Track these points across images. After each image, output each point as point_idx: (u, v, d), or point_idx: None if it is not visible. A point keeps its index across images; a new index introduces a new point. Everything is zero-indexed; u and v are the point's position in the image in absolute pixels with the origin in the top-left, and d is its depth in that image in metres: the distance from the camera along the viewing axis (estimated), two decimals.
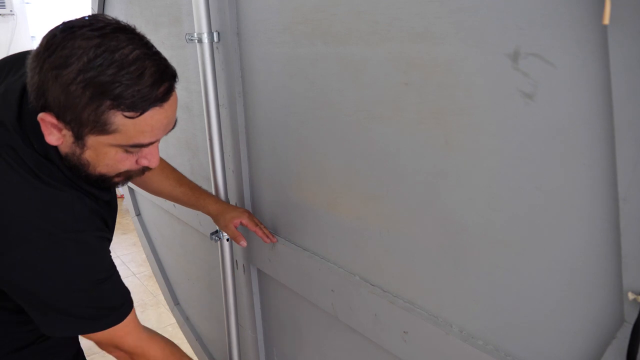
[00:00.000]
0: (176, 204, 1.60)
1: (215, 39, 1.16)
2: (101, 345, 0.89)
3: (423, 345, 0.84)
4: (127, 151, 0.75)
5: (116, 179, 0.82)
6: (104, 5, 1.82)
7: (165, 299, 2.07)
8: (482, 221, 0.73)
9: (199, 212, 1.46)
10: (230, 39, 1.15)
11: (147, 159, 0.78)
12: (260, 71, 1.11)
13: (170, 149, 1.63)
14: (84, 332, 0.85)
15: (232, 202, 1.31)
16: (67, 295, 0.80)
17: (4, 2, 4.40)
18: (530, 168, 0.65)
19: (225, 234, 1.28)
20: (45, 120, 0.71)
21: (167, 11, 1.40)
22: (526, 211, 0.67)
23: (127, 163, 0.78)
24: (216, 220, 1.19)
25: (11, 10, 4.45)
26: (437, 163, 0.77)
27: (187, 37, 1.16)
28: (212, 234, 1.30)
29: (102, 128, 0.70)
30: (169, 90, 0.72)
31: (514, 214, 0.68)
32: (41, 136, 0.73)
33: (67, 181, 0.79)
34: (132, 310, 0.89)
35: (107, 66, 0.66)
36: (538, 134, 0.63)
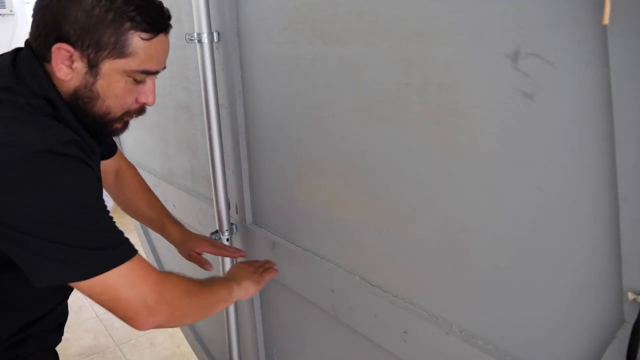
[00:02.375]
0: (176, 205, 1.61)
1: (215, 39, 1.16)
2: (135, 309, 0.78)
3: (423, 345, 0.84)
4: (134, 81, 0.81)
5: (116, 125, 0.85)
6: None
7: None
8: (482, 221, 0.73)
9: (199, 212, 1.47)
10: (230, 39, 1.15)
11: (146, 95, 0.84)
12: (260, 71, 1.11)
13: (170, 149, 1.63)
14: (86, 273, 0.73)
15: (232, 202, 1.31)
16: (58, 219, 0.70)
17: (4, 2, 4.40)
18: (530, 168, 0.65)
19: (225, 233, 1.28)
20: (61, 50, 0.76)
21: None
22: (526, 211, 0.67)
23: (130, 97, 0.83)
24: (179, 249, 1.21)
25: (11, 10, 4.45)
26: (437, 163, 0.77)
27: (187, 37, 1.17)
28: (212, 233, 1.30)
29: (120, 50, 0.77)
30: (170, 21, 0.84)
31: (514, 214, 0.68)
32: (40, 77, 0.78)
33: (60, 119, 0.78)
34: (138, 254, 0.79)
35: None
36: (538, 134, 0.63)
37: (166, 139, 1.64)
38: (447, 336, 0.79)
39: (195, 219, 1.50)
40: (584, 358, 0.64)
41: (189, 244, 1.18)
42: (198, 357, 1.89)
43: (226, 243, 1.29)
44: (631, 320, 0.57)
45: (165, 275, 0.84)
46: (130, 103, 0.84)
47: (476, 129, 0.70)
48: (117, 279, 0.75)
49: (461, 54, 0.69)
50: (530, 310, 0.69)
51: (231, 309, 1.35)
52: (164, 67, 0.87)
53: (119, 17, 0.76)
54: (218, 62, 1.19)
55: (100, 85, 0.79)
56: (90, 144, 0.83)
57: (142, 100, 0.85)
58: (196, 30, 1.16)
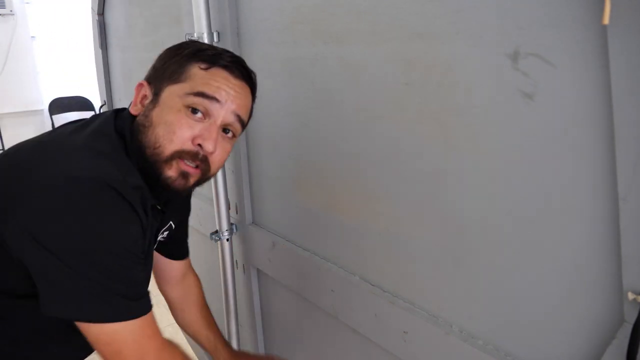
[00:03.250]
0: None
1: (215, 39, 1.16)
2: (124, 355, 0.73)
3: (423, 345, 0.84)
4: (191, 112, 0.76)
5: (167, 169, 0.76)
6: (104, 5, 1.82)
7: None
8: (482, 221, 0.73)
9: (199, 212, 1.47)
10: (230, 39, 1.15)
11: (204, 138, 0.76)
12: (260, 71, 1.11)
13: None
14: (97, 316, 0.69)
15: (232, 202, 1.31)
16: (95, 254, 0.67)
17: (4, 2, 4.40)
18: (530, 168, 0.65)
19: (225, 233, 1.28)
20: (141, 87, 0.81)
21: (167, 11, 1.40)
22: (526, 211, 0.67)
23: (184, 131, 0.75)
24: None
25: (11, 10, 4.45)
26: (437, 163, 0.77)
27: (187, 37, 1.16)
28: (212, 233, 1.30)
29: (178, 77, 0.78)
30: (237, 66, 0.81)
31: (514, 214, 0.68)
32: (124, 120, 0.80)
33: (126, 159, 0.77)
34: (152, 312, 0.76)
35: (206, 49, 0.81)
36: (538, 134, 0.63)
37: None
38: (447, 336, 0.79)
39: (195, 219, 1.50)
40: (584, 358, 0.64)
41: None
42: (198, 357, 1.89)
43: (226, 243, 1.29)
44: (631, 320, 0.57)
45: (169, 343, 0.80)
46: (183, 140, 0.75)
47: (476, 129, 0.70)
48: (126, 333, 0.71)
49: (461, 54, 0.69)
50: (530, 310, 0.69)
51: (231, 309, 1.35)
52: (233, 112, 0.79)
53: (186, 56, 0.79)
54: None
55: (157, 112, 0.77)
56: (147, 194, 0.77)
57: (199, 141, 0.76)
58: (196, 30, 1.16)
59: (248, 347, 1.43)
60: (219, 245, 1.31)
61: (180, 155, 0.76)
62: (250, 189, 1.27)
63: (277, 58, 1.04)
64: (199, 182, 0.81)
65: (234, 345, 1.39)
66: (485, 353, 0.74)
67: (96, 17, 1.95)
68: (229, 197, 1.29)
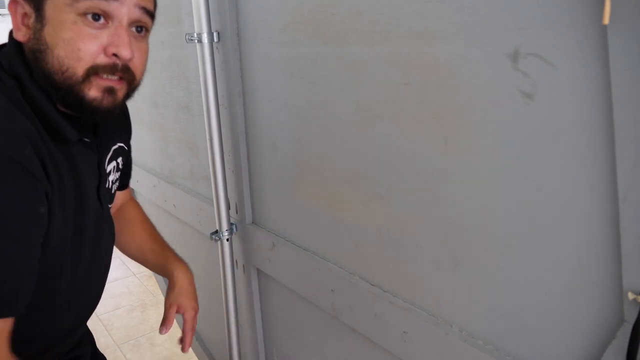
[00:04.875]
0: (176, 205, 1.61)
1: (215, 39, 1.16)
2: None
3: (423, 345, 0.84)
4: (91, 21, 0.65)
5: (88, 90, 0.66)
6: None
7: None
8: (482, 221, 0.73)
9: (199, 212, 1.47)
10: (230, 39, 1.15)
11: (116, 45, 0.66)
12: (260, 71, 1.11)
13: (170, 149, 1.63)
14: None
15: (232, 202, 1.31)
16: None
17: (3, 2, 4.40)
18: (530, 168, 0.65)
19: (225, 233, 1.28)
20: (14, 3, 0.67)
21: (167, 11, 1.40)
22: (526, 211, 0.67)
23: (90, 45, 0.65)
24: (169, 290, 1.00)
25: None
26: (437, 163, 0.77)
27: (187, 37, 1.17)
28: (212, 233, 1.30)
29: None
30: None
31: (514, 214, 0.68)
32: (10, 53, 0.68)
33: (30, 100, 0.67)
34: (12, 320, 0.64)
35: None
36: (538, 134, 0.63)
37: (166, 139, 1.64)
38: (447, 336, 0.79)
39: (195, 219, 1.50)
40: (584, 358, 0.64)
41: (180, 296, 0.98)
42: (198, 357, 1.89)
43: (226, 243, 1.29)
44: (631, 320, 0.57)
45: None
46: (93, 54, 0.65)
47: (476, 129, 0.70)
48: None
49: (461, 53, 0.69)
50: (530, 310, 0.69)
51: (231, 309, 1.35)
52: (149, 15, 0.70)
53: None
54: (218, 62, 1.19)
55: (48, 31, 0.65)
56: (65, 131, 0.68)
57: (112, 50, 0.66)
58: (196, 30, 1.16)
59: (248, 347, 1.43)
60: (219, 245, 1.31)
61: (96, 71, 0.66)
62: (250, 189, 1.27)
63: (277, 58, 1.04)
64: (128, 95, 0.73)
65: (234, 344, 1.39)
66: (485, 353, 0.74)
67: None
68: (229, 197, 1.29)
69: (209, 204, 1.38)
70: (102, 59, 0.66)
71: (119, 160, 0.89)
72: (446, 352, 0.80)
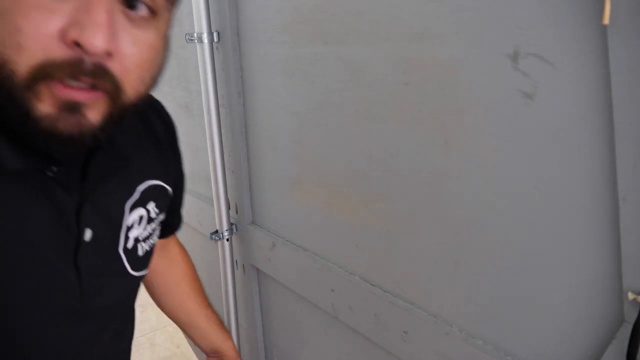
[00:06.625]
0: None
1: (215, 39, 1.16)
2: None
3: (423, 345, 0.84)
4: None
5: (38, 104, 0.40)
6: None
7: None
8: (482, 221, 0.73)
9: (199, 212, 1.46)
10: (230, 39, 1.15)
11: (81, 24, 0.38)
12: (260, 71, 1.11)
13: None
14: None
15: (232, 202, 1.31)
16: None
17: None
18: (530, 168, 0.65)
19: (225, 233, 1.28)
20: None
21: None
22: (526, 211, 0.67)
23: (38, 23, 0.38)
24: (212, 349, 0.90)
25: None
26: (437, 163, 0.77)
27: (187, 37, 1.17)
28: (212, 233, 1.30)
29: None
30: None
31: (514, 214, 0.68)
32: None
33: None
34: None
35: None
36: (538, 134, 0.63)
37: None
38: (447, 336, 0.79)
39: (195, 218, 1.50)
40: (584, 358, 0.64)
41: (227, 351, 0.91)
42: (198, 358, 1.89)
43: (226, 243, 1.29)
44: (631, 320, 0.57)
45: None
46: (43, 40, 0.38)
47: (476, 129, 0.70)
48: None
49: (461, 54, 0.69)
50: (530, 310, 0.69)
51: (231, 309, 1.35)
52: None
53: None
54: (218, 62, 1.19)
55: None
56: (6, 161, 0.44)
57: (73, 35, 0.38)
58: (196, 30, 1.16)
59: (248, 347, 1.43)
60: (219, 245, 1.31)
61: (48, 72, 0.39)
62: (250, 189, 1.27)
63: (277, 58, 1.04)
64: (113, 116, 0.44)
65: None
66: (485, 353, 0.74)
67: None
68: (229, 197, 1.29)
69: (209, 204, 1.38)
70: (60, 51, 0.39)
71: (150, 207, 0.61)
72: (446, 352, 0.80)
